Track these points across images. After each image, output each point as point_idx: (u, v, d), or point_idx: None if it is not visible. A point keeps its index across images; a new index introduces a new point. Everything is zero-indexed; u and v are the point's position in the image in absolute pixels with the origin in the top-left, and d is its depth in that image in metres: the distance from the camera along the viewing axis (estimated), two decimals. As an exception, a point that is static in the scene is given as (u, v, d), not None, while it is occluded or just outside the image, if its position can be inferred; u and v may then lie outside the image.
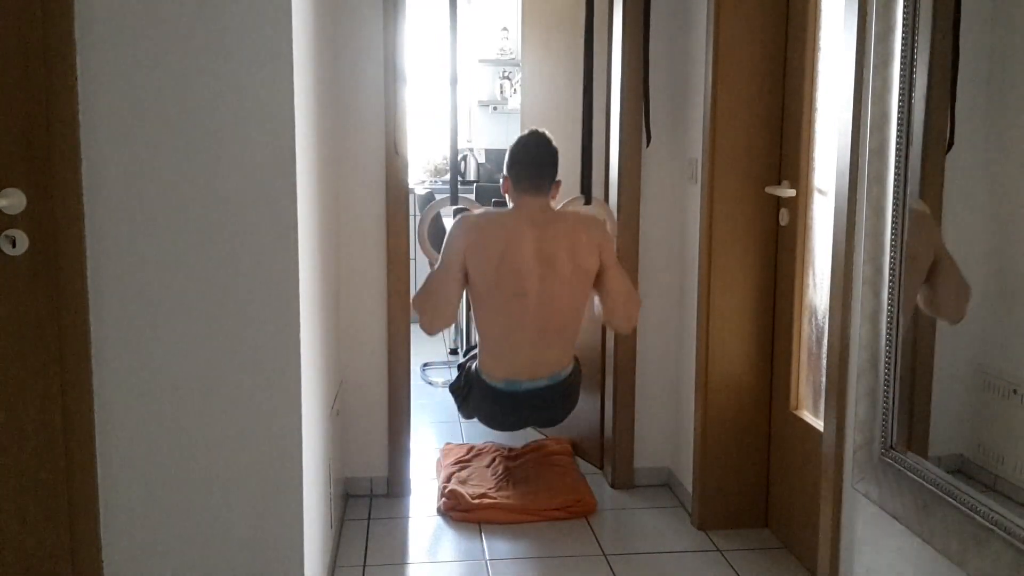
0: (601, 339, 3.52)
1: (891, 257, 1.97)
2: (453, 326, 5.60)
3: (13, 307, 1.89)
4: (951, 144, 1.93)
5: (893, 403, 1.99)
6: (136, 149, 1.94)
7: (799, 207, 2.83)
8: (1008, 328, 1.79)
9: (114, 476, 2.01)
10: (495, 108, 6.78)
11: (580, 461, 3.70)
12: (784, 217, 2.92)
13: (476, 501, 3.22)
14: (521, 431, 3.94)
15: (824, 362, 2.48)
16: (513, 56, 6.57)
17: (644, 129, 3.28)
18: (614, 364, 3.41)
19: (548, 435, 3.93)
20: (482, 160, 6.66)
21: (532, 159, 3.09)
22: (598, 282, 3.11)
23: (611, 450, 3.48)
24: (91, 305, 1.95)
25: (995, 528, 1.64)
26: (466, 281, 3.07)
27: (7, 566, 1.95)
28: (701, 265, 3.02)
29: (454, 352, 5.56)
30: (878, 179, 2.00)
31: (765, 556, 2.91)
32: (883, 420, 2.00)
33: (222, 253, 1.99)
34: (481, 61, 6.68)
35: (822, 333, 2.70)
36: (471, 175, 6.57)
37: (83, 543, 1.98)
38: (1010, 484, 1.72)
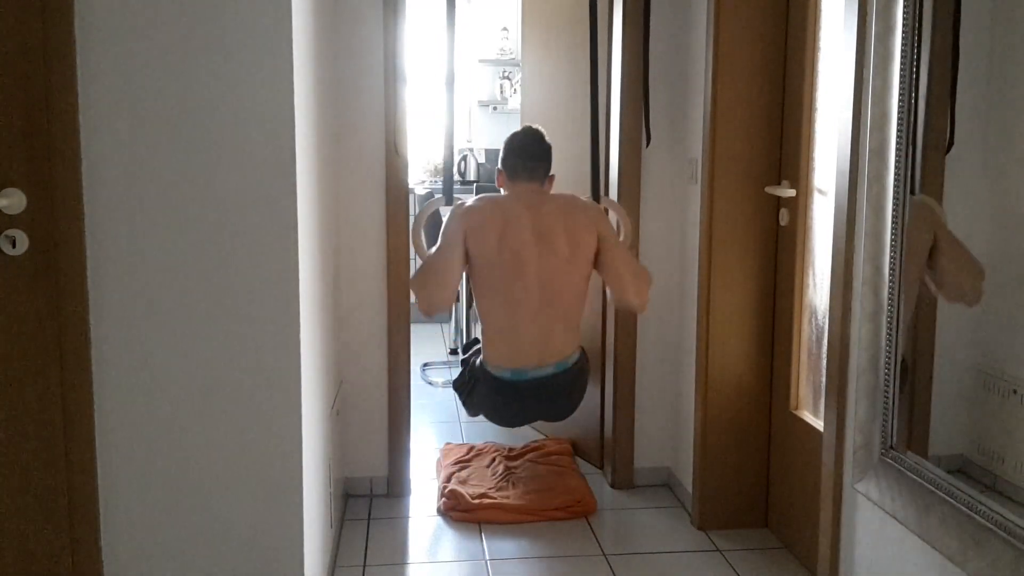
0: (601, 339, 3.52)
1: (891, 257, 1.97)
2: (453, 325, 5.60)
3: (13, 307, 1.89)
4: (951, 144, 1.93)
5: (893, 403, 1.99)
6: (136, 149, 1.94)
7: (799, 207, 2.83)
8: (1008, 328, 1.79)
9: (114, 476, 2.01)
10: (495, 108, 6.78)
11: (580, 461, 3.70)
12: (784, 217, 2.92)
13: (476, 501, 3.22)
14: (521, 431, 3.95)
15: (824, 362, 2.48)
16: (513, 56, 6.57)
17: (644, 129, 3.28)
18: (614, 364, 3.41)
19: (548, 435, 3.93)
20: (482, 160, 6.66)
21: (526, 151, 3.14)
22: (602, 264, 3.08)
23: (611, 450, 3.48)
24: (91, 305, 1.95)
25: (995, 528, 1.64)
26: (466, 262, 3.06)
27: (7, 566, 1.95)
28: (701, 265, 3.02)
29: (454, 352, 5.56)
30: (878, 179, 2.00)
31: (765, 556, 2.91)
32: (883, 420, 2.01)
33: (222, 253, 1.99)
34: (481, 61, 6.68)
35: (822, 333, 2.70)
36: (471, 175, 6.57)
37: (83, 543, 1.98)
38: (1010, 484, 1.72)
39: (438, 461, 3.68)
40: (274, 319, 2.01)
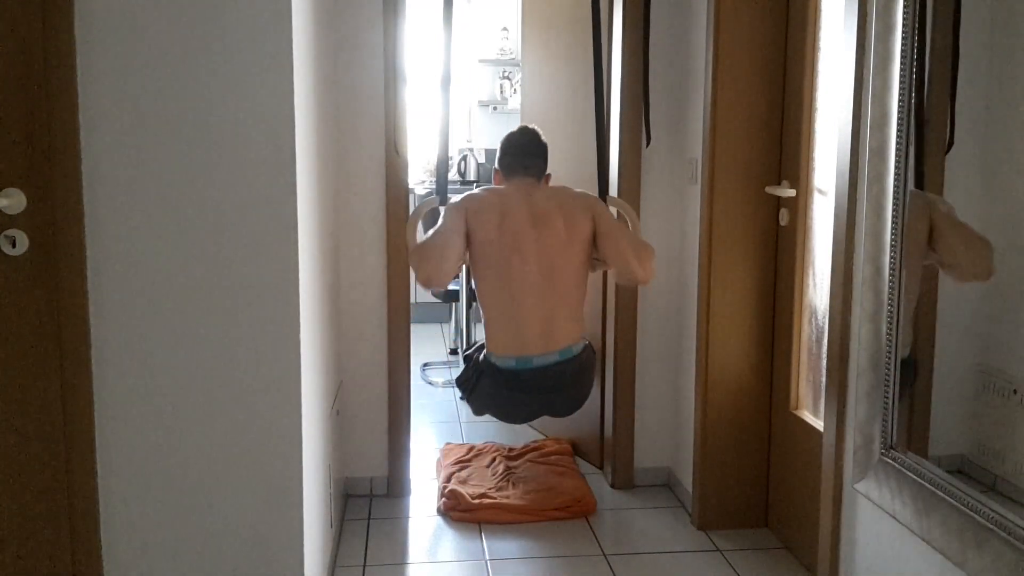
0: (601, 339, 3.52)
1: (891, 257, 1.97)
2: (453, 325, 5.60)
3: (13, 307, 1.89)
4: (951, 144, 1.93)
5: (893, 403, 1.99)
6: (136, 149, 1.94)
7: (799, 207, 2.83)
8: (1008, 328, 1.79)
9: (114, 476, 2.01)
10: (495, 108, 6.78)
11: (580, 461, 3.70)
12: (784, 217, 2.92)
13: (476, 501, 3.22)
14: (522, 431, 3.95)
15: (824, 362, 2.48)
16: (513, 56, 6.57)
17: (644, 129, 3.28)
18: (614, 364, 3.41)
19: (548, 435, 3.93)
20: (482, 160, 6.66)
21: (522, 149, 3.15)
22: (602, 242, 3.06)
23: (611, 450, 3.48)
24: (91, 305, 1.95)
25: (995, 528, 1.64)
26: (467, 246, 3.05)
27: (7, 566, 1.95)
28: (701, 265, 3.02)
29: (454, 352, 5.56)
30: (878, 179, 2.00)
31: (765, 556, 2.91)
32: (883, 420, 2.01)
33: (222, 253, 1.99)
34: (481, 61, 6.68)
35: (822, 333, 2.70)
36: (471, 175, 6.57)
37: (83, 543, 1.98)
38: (1010, 484, 1.72)
39: (438, 461, 3.68)
40: (274, 319, 2.01)
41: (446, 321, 6.14)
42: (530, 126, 3.24)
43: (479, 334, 3.36)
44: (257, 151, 1.97)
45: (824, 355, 2.48)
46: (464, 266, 4.64)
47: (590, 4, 3.17)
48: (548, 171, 3.18)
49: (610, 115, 3.38)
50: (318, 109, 2.52)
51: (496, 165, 3.19)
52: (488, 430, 4.04)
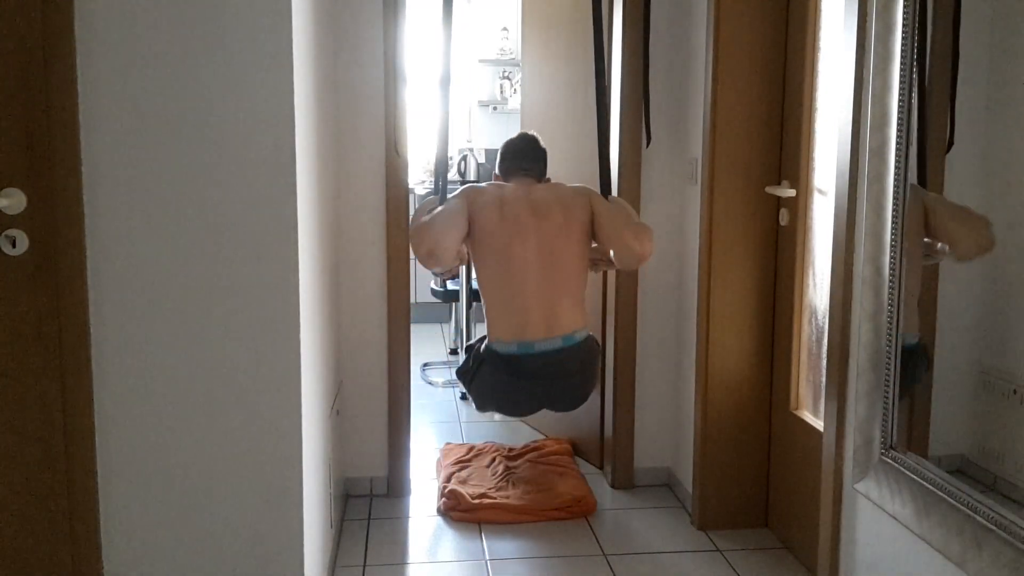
0: (601, 339, 3.52)
1: (891, 257, 1.97)
2: (453, 325, 5.60)
3: (13, 307, 1.89)
4: (951, 144, 1.93)
5: (893, 403, 1.99)
6: (136, 149, 1.94)
7: (799, 207, 2.83)
8: (1008, 328, 1.79)
9: (114, 477, 2.01)
10: (495, 108, 6.78)
11: (580, 461, 3.70)
12: (784, 217, 2.92)
13: (476, 501, 3.22)
14: (522, 431, 3.95)
15: (824, 362, 2.48)
16: (513, 56, 6.57)
17: (644, 129, 3.28)
18: (614, 364, 3.41)
19: (548, 435, 3.93)
20: (482, 160, 6.67)
21: (521, 153, 3.20)
22: (599, 225, 3.06)
23: (611, 450, 3.48)
24: (91, 305, 1.95)
25: (995, 528, 1.64)
26: (468, 233, 3.05)
27: (7, 567, 1.95)
28: (701, 265, 3.02)
29: (454, 352, 5.56)
30: (878, 179, 2.00)
31: (765, 556, 2.91)
32: (883, 420, 2.01)
33: (222, 253, 1.99)
34: (481, 61, 6.68)
35: (822, 333, 2.70)
36: (471, 175, 6.57)
37: (83, 543, 1.98)
38: (1010, 484, 1.72)
39: (438, 461, 3.68)
40: (274, 319, 2.01)
41: (446, 321, 6.14)
42: (529, 132, 3.28)
43: (480, 333, 3.35)
44: (257, 151, 1.97)
45: (824, 355, 2.48)
46: (463, 267, 4.66)
47: (590, 4, 3.17)
48: (548, 176, 3.20)
49: (610, 115, 3.38)
50: (318, 109, 2.52)
51: (496, 170, 3.24)
52: (488, 430, 4.04)
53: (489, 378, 3.08)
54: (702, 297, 3.02)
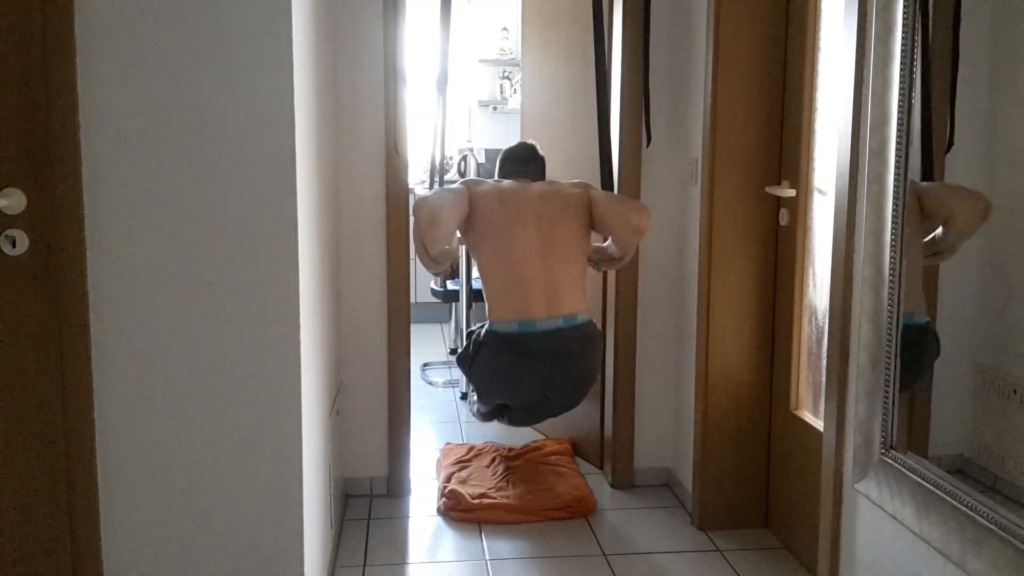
0: (601, 339, 3.51)
1: (891, 257, 1.97)
2: (453, 325, 5.60)
3: (13, 307, 1.89)
4: (951, 144, 1.93)
5: (893, 403, 1.99)
6: (136, 149, 1.94)
7: (799, 207, 2.83)
8: (1008, 328, 1.79)
9: (114, 476, 2.01)
10: (495, 108, 6.78)
11: (580, 461, 3.70)
12: (784, 217, 2.92)
13: (476, 501, 3.22)
14: (521, 431, 3.95)
15: (824, 362, 2.47)
16: (513, 56, 6.57)
17: (644, 129, 3.28)
18: (614, 364, 3.41)
19: (548, 435, 3.93)
20: (482, 160, 6.66)
21: (520, 159, 3.30)
22: (597, 210, 3.08)
23: (611, 450, 3.48)
24: (91, 305, 1.95)
25: (995, 528, 1.64)
26: (468, 220, 3.06)
27: (7, 566, 1.95)
28: (701, 265, 3.02)
29: (454, 352, 5.56)
30: (878, 179, 2.00)
31: (765, 556, 2.91)
32: (883, 420, 2.00)
33: (222, 253, 1.99)
34: (481, 61, 6.67)
35: (822, 333, 2.70)
36: (471, 175, 6.57)
37: (83, 543, 1.98)
38: (1010, 484, 1.72)
39: (438, 461, 3.68)
40: (274, 319, 2.01)
41: (446, 321, 6.14)
42: (528, 141, 3.39)
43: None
44: (257, 151, 1.97)
45: (824, 355, 2.48)
46: (463, 267, 4.66)
47: (590, 4, 3.17)
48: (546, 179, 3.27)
49: (610, 115, 3.38)
50: (318, 109, 2.52)
51: (495, 176, 3.34)
52: (488, 430, 4.04)
53: (489, 360, 3.05)
54: (702, 297, 3.02)
